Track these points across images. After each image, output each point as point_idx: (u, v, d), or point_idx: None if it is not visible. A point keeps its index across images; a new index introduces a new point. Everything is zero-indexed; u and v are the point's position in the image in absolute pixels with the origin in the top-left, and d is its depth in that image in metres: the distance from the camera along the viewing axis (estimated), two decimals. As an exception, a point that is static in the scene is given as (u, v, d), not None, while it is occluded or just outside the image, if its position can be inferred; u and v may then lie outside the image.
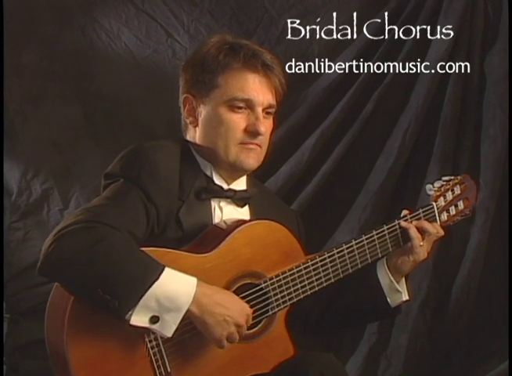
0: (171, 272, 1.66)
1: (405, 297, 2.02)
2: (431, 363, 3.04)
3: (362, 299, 2.03)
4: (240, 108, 1.88)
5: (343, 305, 2.05)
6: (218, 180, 1.92)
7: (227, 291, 1.76)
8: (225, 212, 1.92)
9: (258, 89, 1.89)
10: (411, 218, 2.01)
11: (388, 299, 2.00)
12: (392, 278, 1.99)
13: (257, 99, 1.88)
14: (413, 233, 1.97)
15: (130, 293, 1.62)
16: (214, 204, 1.91)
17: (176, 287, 1.66)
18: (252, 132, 1.88)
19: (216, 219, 1.90)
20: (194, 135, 1.94)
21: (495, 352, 2.97)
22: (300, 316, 2.02)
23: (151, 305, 1.64)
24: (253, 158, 1.90)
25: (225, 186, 1.92)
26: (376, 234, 1.96)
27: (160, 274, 1.64)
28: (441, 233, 2.03)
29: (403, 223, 1.98)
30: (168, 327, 1.66)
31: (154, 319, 1.65)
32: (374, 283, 2.00)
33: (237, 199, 1.93)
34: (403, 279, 2.02)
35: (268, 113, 1.92)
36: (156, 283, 1.63)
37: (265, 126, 1.90)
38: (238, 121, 1.88)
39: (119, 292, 1.62)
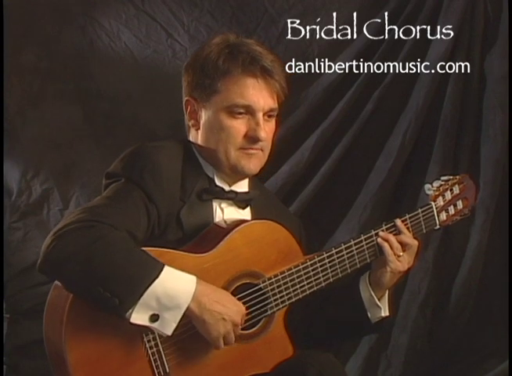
0: (170, 271, 1.67)
1: (385, 313, 1.99)
2: (431, 363, 3.04)
3: (344, 313, 2.01)
4: (241, 113, 1.87)
5: (327, 318, 2.04)
6: (219, 181, 1.92)
7: (224, 290, 1.77)
8: (226, 213, 1.92)
9: (258, 94, 1.88)
10: (410, 218, 2.00)
11: (369, 314, 1.98)
12: (372, 292, 1.98)
13: (258, 105, 1.88)
14: (381, 242, 1.94)
15: (130, 291, 1.63)
16: (215, 205, 1.91)
17: (176, 285, 1.66)
18: (252, 138, 1.88)
19: (217, 220, 1.90)
20: (196, 136, 1.94)
21: (495, 352, 2.97)
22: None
23: (151, 304, 1.64)
24: (254, 163, 1.91)
25: (227, 188, 1.93)
26: (375, 233, 1.96)
27: (160, 272, 1.65)
28: (415, 243, 1.99)
29: (381, 234, 1.96)
30: (168, 325, 1.67)
31: (154, 318, 1.66)
32: (356, 296, 1.99)
33: (238, 201, 1.93)
34: (386, 295, 2.00)
35: (269, 116, 1.92)
36: (156, 281, 1.64)
37: (266, 131, 1.89)
38: (238, 126, 1.88)
39: (119, 290, 1.62)
